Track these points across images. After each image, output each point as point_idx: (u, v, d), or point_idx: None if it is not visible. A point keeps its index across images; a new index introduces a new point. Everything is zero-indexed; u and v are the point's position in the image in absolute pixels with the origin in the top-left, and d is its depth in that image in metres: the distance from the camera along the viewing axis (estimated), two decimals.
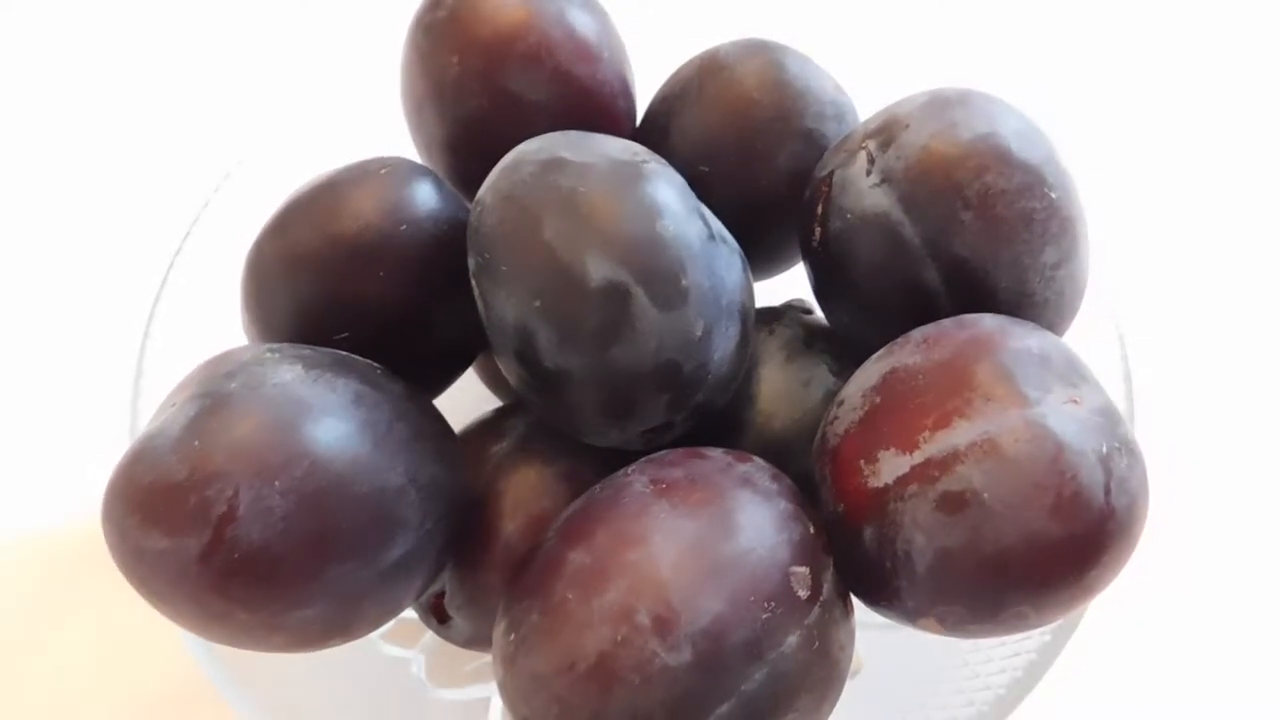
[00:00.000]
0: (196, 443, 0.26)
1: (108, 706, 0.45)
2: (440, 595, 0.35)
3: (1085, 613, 0.32)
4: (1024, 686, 0.31)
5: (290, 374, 0.28)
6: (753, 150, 0.38)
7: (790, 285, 0.43)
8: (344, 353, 0.31)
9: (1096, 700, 0.44)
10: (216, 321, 0.37)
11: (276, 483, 0.26)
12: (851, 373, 0.35)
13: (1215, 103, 0.66)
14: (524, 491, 0.35)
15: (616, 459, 0.33)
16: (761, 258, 0.40)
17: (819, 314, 0.40)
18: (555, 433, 0.35)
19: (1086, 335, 0.35)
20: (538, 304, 0.29)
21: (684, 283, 0.30)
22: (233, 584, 0.26)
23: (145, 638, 0.45)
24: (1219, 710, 0.44)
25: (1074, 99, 0.64)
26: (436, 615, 0.36)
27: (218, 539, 0.25)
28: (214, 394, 0.27)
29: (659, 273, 0.29)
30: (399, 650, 0.40)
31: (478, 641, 0.36)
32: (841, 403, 0.31)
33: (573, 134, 0.33)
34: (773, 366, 0.37)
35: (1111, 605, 0.34)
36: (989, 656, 0.34)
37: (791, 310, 0.40)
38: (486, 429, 0.38)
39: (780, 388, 0.36)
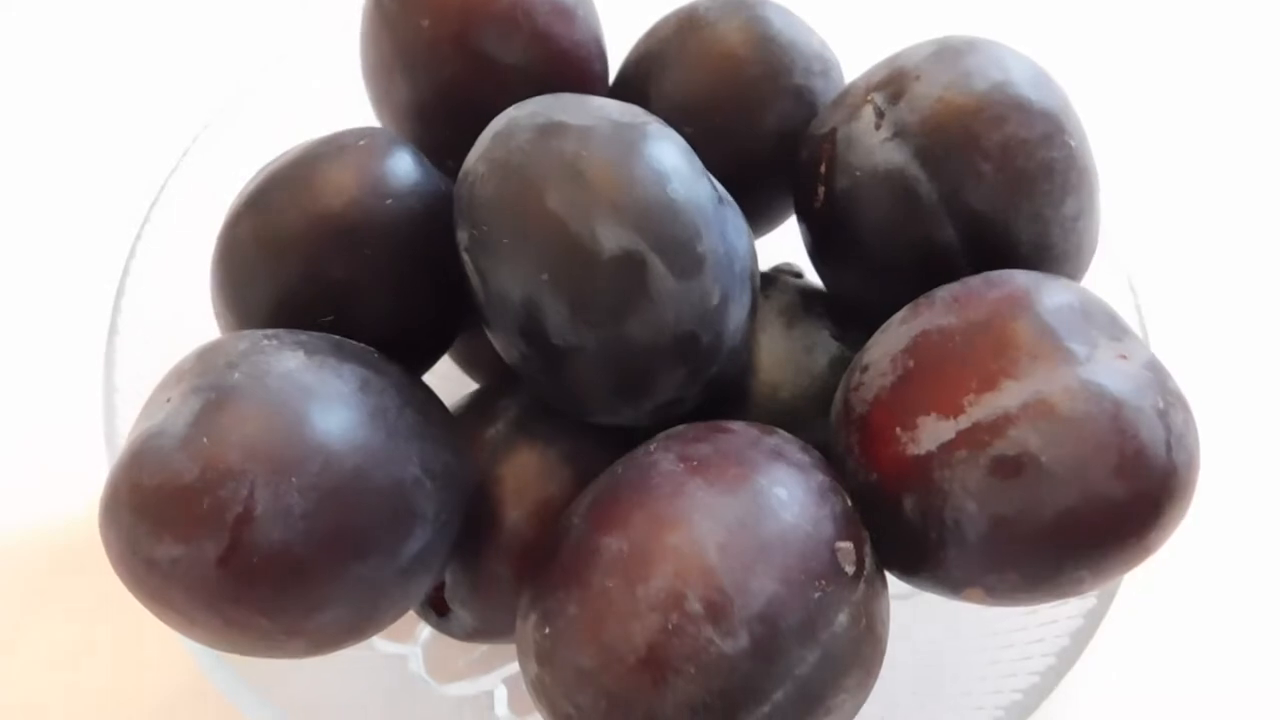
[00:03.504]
0: (205, 439, 0.23)
1: (99, 706, 0.41)
2: (440, 587, 0.32)
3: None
4: (1070, 656, 0.30)
5: (293, 362, 0.25)
6: (740, 110, 0.35)
7: (770, 249, 0.40)
8: (337, 337, 0.28)
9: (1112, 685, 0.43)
10: (185, 308, 0.33)
11: (294, 479, 0.23)
12: (854, 336, 0.33)
13: (1215, 59, 0.64)
14: (527, 476, 0.32)
15: (620, 437, 0.31)
16: (749, 220, 0.37)
17: (810, 277, 0.38)
18: (551, 413, 0.32)
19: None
20: (545, 278, 0.26)
21: (700, 249, 0.27)
22: (254, 589, 0.23)
23: (127, 641, 0.41)
24: (1226, 700, 0.43)
25: (1070, 53, 0.61)
26: (436, 609, 0.33)
27: (236, 542, 0.22)
28: (217, 386, 0.24)
29: (674, 239, 0.26)
30: (395, 647, 0.36)
31: (480, 634, 0.33)
32: (866, 368, 0.28)
33: (565, 96, 0.30)
34: (773, 334, 0.34)
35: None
36: (1023, 625, 0.32)
37: (781, 275, 0.38)
38: (475, 412, 0.34)
39: (783, 355, 0.34)
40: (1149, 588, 0.41)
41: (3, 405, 0.49)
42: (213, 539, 0.22)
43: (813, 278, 0.37)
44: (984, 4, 0.62)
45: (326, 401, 0.25)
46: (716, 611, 0.22)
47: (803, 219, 0.34)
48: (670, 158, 0.27)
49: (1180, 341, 0.49)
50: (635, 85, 0.37)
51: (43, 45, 0.63)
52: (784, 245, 0.40)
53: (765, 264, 0.39)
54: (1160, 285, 0.51)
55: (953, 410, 0.25)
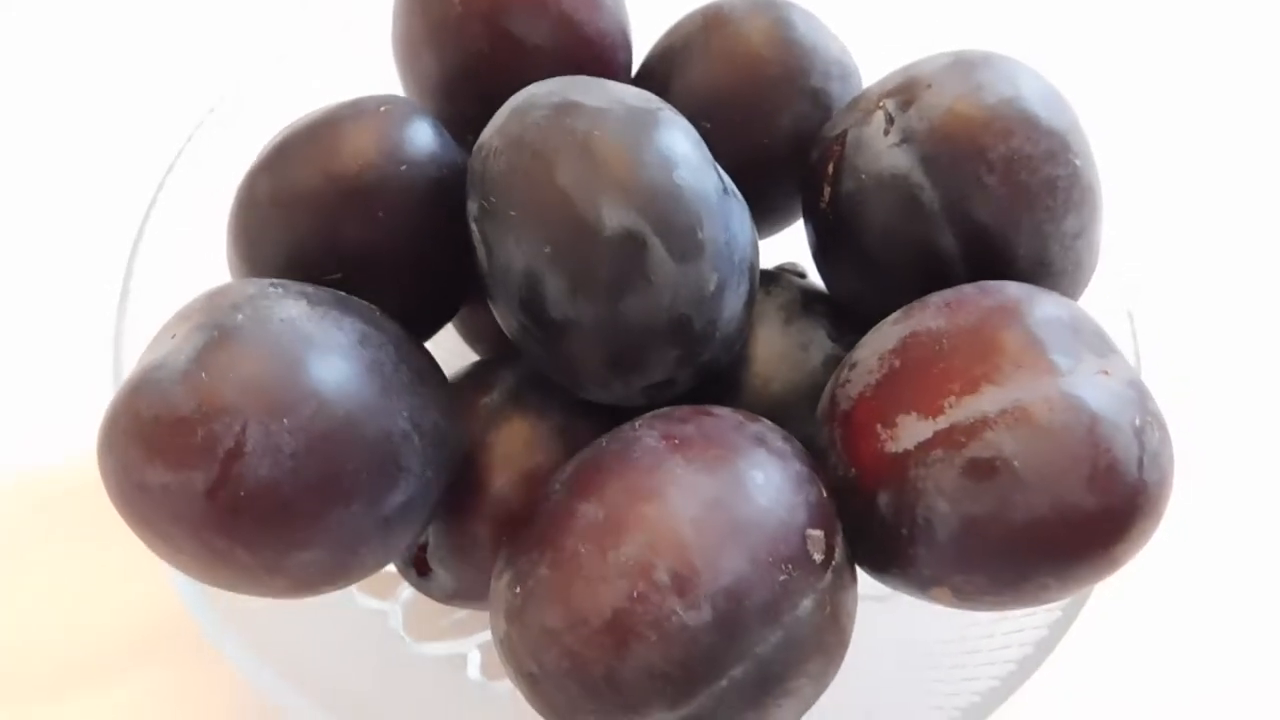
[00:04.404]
0: (204, 375, 0.23)
1: (70, 655, 0.41)
2: (423, 548, 0.33)
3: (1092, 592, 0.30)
4: (1032, 663, 0.30)
5: (296, 309, 0.26)
6: (757, 107, 0.36)
7: (779, 250, 0.41)
8: (342, 292, 0.28)
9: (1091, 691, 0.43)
10: (200, 258, 0.33)
11: (286, 420, 0.23)
12: (850, 338, 0.33)
13: (1221, 76, 0.64)
14: (516, 445, 0.32)
15: (611, 415, 0.31)
16: (757, 218, 0.37)
17: (812, 278, 0.38)
18: (547, 386, 0.33)
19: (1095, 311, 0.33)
20: (548, 251, 0.27)
21: (700, 235, 0.27)
22: (238, 522, 0.23)
23: (119, 575, 0.42)
24: (1216, 705, 0.43)
25: (1076, 73, 0.61)
26: (418, 568, 0.33)
27: (224, 474, 0.23)
28: (220, 326, 0.24)
29: (676, 224, 0.27)
30: (376, 603, 0.37)
31: (459, 596, 0.33)
32: (854, 365, 0.28)
33: (584, 78, 0.30)
34: (771, 329, 0.35)
35: (1115, 589, 0.32)
36: (990, 632, 0.32)
37: (785, 274, 0.38)
38: (473, 381, 0.35)
39: (779, 350, 0.34)
40: (1120, 593, 0.41)
41: (20, 347, 0.50)
42: (203, 470, 0.23)
43: (816, 280, 0.38)
44: (1008, 22, 0.63)
45: (324, 350, 0.25)
46: (683, 583, 0.23)
47: (808, 219, 0.34)
48: (680, 145, 0.28)
49: (1175, 362, 0.50)
50: (658, 76, 0.37)
51: (57, 29, 0.64)
52: (791, 247, 0.40)
53: (771, 263, 0.39)
54: (1160, 307, 0.52)
55: (932, 411, 0.25)
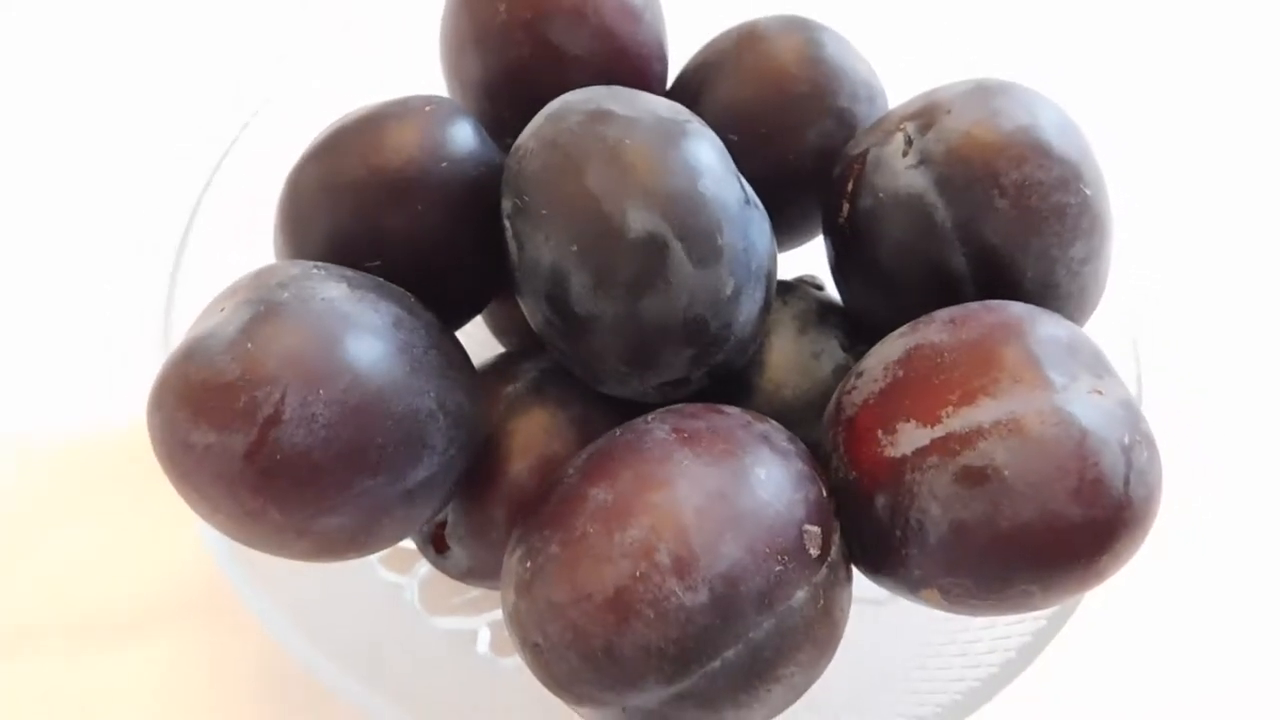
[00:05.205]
0: (249, 345, 0.25)
1: (97, 610, 0.43)
2: (441, 525, 0.34)
3: (1079, 605, 0.31)
4: (1014, 669, 0.31)
5: (337, 291, 0.27)
6: (783, 124, 0.37)
7: (800, 262, 0.42)
8: (380, 278, 0.30)
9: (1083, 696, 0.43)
10: (251, 238, 0.35)
11: (321, 391, 0.25)
12: (862, 350, 0.34)
13: (1233, 105, 0.65)
14: (535, 432, 0.33)
15: (627, 409, 0.32)
16: (778, 231, 0.38)
17: (829, 291, 0.39)
18: (568, 379, 0.34)
19: (1100, 336, 0.33)
20: (575, 249, 0.28)
21: (720, 242, 0.29)
22: (272, 484, 0.25)
23: (150, 538, 0.44)
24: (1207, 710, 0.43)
25: (1095, 104, 0.62)
26: (436, 545, 0.35)
27: (262, 439, 0.24)
28: (267, 301, 0.26)
29: (697, 229, 0.28)
30: (394, 576, 0.38)
31: (474, 574, 0.35)
32: (861, 374, 0.30)
33: (618, 89, 0.31)
34: (785, 336, 0.36)
35: (1108, 603, 0.33)
36: (978, 637, 0.33)
37: (803, 285, 0.39)
38: (498, 371, 0.36)
39: (792, 357, 0.35)
40: (1129, 601, 0.43)
41: (76, 317, 0.52)
42: (242, 433, 0.24)
43: (833, 293, 0.39)
44: (1030, 51, 0.64)
45: (361, 330, 0.27)
46: (682, 566, 0.24)
47: (827, 233, 0.36)
48: (705, 156, 0.29)
49: (1192, 373, 0.51)
50: (691, 88, 0.39)
51: (131, 21, 0.66)
52: (812, 261, 0.41)
53: (791, 275, 0.40)
54: (1178, 318, 0.53)
55: (931, 419, 0.26)
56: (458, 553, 0.34)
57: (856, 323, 0.36)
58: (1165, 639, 0.44)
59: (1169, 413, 0.48)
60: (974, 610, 0.27)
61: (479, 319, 0.43)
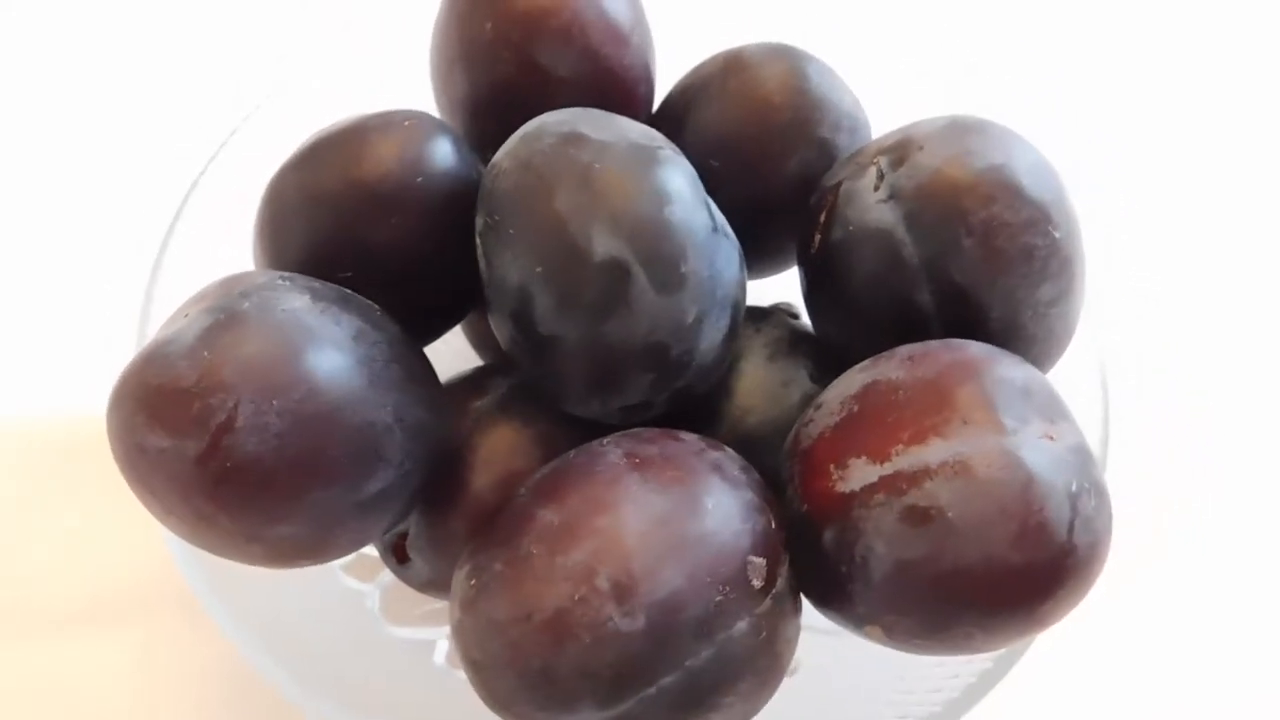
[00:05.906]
0: (207, 353, 0.25)
1: (77, 597, 0.43)
2: (403, 536, 0.34)
3: (1028, 649, 0.31)
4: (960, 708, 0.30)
5: (299, 302, 0.27)
6: (765, 152, 0.37)
7: (778, 290, 0.42)
8: (347, 290, 0.30)
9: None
10: (230, 243, 0.35)
11: (275, 402, 0.25)
12: (830, 381, 0.34)
13: (1232, 105, 0.65)
14: (499, 449, 0.33)
15: (592, 430, 0.32)
16: (757, 258, 0.38)
17: (805, 320, 0.39)
18: (535, 397, 0.34)
19: (1069, 375, 0.33)
20: (540, 270, 0.28)
21: (683, 269, 0.29)
22: (222, 490, 0.25)
23: (123, 533, 0.45)
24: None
25: (1095, 104, 0.62)
26: (397, 555, 0.35)
27: (214, 445, 0.25)
28: (228, 310, 0.26)
29: (661, 256, 0.28)
30: (356, 583, 0.39)
31: (433, 586, 0.35)
32: (819, 406, 0.29)
33: (595, 112, 0.31)
34: (755, 363, 0.36)
35: (1107, 603, 0.33)
36: (926, 675, 0.33)
37: (778, 312, 0.39)
38: (468, 384, 0.37)
39: (760, 385, 0.35)
40: (1132, 607, 0.43)
41: (56, 310, 0.53)
42: (195, 439, 0.25)
43: (809, 322, 0.39)
44: (1014, 86, 0.63)
45: (320, 341, 0.27)
46: (621, 591, 0.24)
47: (801, 263, 0.36)
48: (674, 182, 0.29)
49: (1193, 376, 0.51)
50: (676, 112, 0.39)
51: (117, 23, 0.67)
52: (792, 289, 0.41)
53: (770, 302, 0.40)
54: (1177, 322, 0.53)
55: (881, 457, 0.26)
56: (418, 564, 0.34)
57: (827, 353, 0.36)
58: (1165, 639, 0.44)
59: (1169, 414, 0.49)
60: (917, 649, 0.27)
61: (460, 331, 0.43)
